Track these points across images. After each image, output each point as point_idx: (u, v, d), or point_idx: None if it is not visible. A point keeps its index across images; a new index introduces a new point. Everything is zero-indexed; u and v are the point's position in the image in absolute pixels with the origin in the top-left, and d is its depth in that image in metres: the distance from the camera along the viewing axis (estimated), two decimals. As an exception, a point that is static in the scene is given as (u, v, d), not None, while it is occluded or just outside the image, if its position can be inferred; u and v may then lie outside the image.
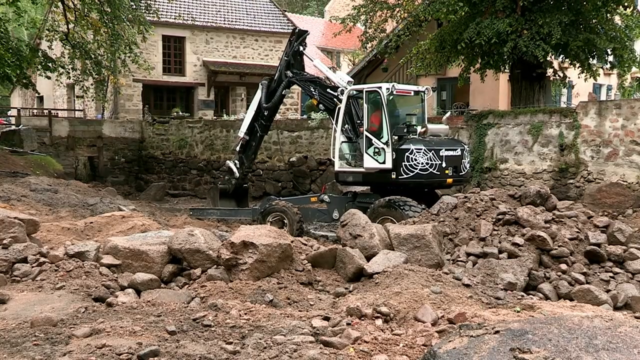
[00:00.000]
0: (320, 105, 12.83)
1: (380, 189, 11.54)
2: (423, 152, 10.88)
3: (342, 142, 11.88)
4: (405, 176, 10.88)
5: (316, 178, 19.24)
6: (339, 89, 12.04)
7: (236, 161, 14.22)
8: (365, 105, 11.34)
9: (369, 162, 11.21)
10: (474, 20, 15.28)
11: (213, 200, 14.68)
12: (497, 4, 14.93)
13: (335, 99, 12.12)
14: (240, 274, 5.76)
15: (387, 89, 11.11)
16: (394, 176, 10.94)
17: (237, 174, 14.10)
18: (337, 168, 11.96)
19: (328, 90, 12.45)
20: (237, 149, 14.33)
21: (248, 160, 14.21)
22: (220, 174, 15.33)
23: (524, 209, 7.51)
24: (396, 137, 11.02)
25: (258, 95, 13.93)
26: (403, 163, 10.85)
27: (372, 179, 11.57)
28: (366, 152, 11.21)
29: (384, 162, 11.02)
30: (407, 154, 10.84)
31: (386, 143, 10.97)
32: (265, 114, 13.63)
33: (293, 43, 13.44)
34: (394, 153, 10.87)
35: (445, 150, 11.17)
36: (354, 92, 12.03)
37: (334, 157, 11.97)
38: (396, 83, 12.36)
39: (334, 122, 12.41)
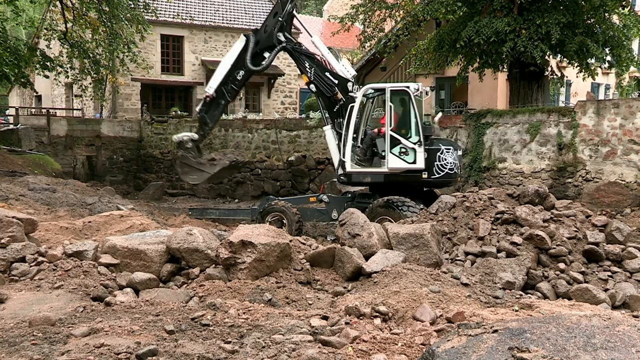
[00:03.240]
0: (312, 86, 11.89)
1: (393, 189, 11.23)
2: (451, 152, 11.12)
3: (353, 142, 11.41)
4: (437, 175, 11.02)
5: (315, 177, 19.24)
6: (348, 82, 11.60)
7: (187, 134, 12.60)
8: (389, 105, 11.04)
9: (395, 162, 11.00)
10: (472, 20, 15.30)
11: (186, 173, 12.71)
12: (495, 3, 14.94)
13: (335, 88, 11.59)
14: (238, 273, 5.76)
15: (416, 88, 11.09)
16: (425, 176, 10.97)
17: (196, 136, 12.40)
18: (349, 169, 11.40)
19: (327, 74, 11.73)
20: (200, 107, 12.47)
21: (212, 120, 12.52)
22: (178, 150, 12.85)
23: (522, 208, 7.51)
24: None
25: (238, 48, 12.16)
26: (435, 163, 10.94)
27: (396, 179, 11.25)
28: (391, 152, 11.01)
29: (414, 162, 10.94)
30: (438, 153, 10.97)
31: (417, 143, 10.92)
32: (239, 77, 12.06)
33: (286, 3, 12.06)
34: (425, 153, 10.91)
35: (458, 150, 11.66)
36: (371, 92, 11.66)
37: (344, 157, 11.42)
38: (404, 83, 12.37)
39: (323, 110, 11.98)
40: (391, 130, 11.02)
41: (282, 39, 11.95)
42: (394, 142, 11.03)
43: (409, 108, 11.12)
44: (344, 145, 11.50)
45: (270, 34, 11.96)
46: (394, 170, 11.07)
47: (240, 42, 12.12)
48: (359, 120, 11.62)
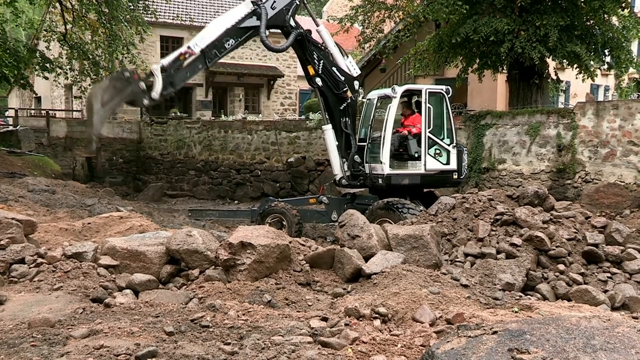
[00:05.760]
0: (317, 80, 11.25)
1: (400, 191, 11.19)
2: (466, 152, 11.62)
3: (392, 143, 11.08)
4: (462, 176, 11.49)
5: (314, 179, 19.26)
6: (354, 80, 11.48)
7: (160, 81, 9.54)
8: (425, 106, 11.02)
9: (432, 164, 11.11)
10: (471, 18, 15.32)
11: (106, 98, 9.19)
12: (495, 3, 14.96)
13: (344, 84, 11.37)
14: (238, 274, 5.75)
15: (447, 92, 11.26)
16: (455, 176, 11.29)
17: (158, 91, 9.51)
18: (387, 171, 11.02)
19: (334, 69, 11.36)
20: (168, 62, 9.67)
21: (179, 83, 10.01)
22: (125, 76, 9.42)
23: (521, 210, 7.52)
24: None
25: (240, 14, 10.44)
26: (462, 163, 11.35)
27: (430, 181, 11.37)
28: (427, 154, 11.08)
29: (448, 163, 11.20)
30: (463, 155, 11.40)
31: (451, 144, 11.21)
32: (227, 46, 10.32)
33: None
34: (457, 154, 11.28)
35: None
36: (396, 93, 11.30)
37: (382, 159, 11.02)
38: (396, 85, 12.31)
39: (325, 108, 11.71)
40: (430, 132, 11.07)
41: (293, 24, 11.02)
42: (430, 144, 11.12)
43: (443, 110, 11.30)
44: (382, 147, 11.06)
45: (280, 13, 10.83)
46: (431, 171, 11.13)
47: (245, 8, 10.53)
48: (387, 121, 11.31)
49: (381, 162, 11.07)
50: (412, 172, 11.22)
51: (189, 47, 9.96)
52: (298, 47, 11.36)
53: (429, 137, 11.06)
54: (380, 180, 11.17)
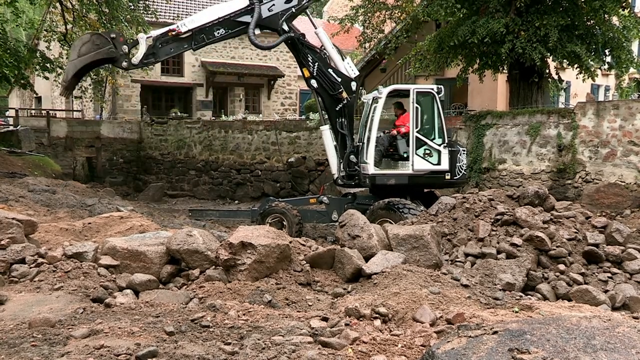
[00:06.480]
0: (313, 82, 11.41)
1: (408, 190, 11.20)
2: (463, 153, 11.40)
3: (376, 144, 11.13)
4: (458, 177, 11.25)
5: (314, 179, 19.26)
6: (351, 82, 11.44)
7: (143, 46, 10.38)
8: (413, 106, 11.00)
9: (420, 164, 11.02)
10: (470, 20, 15.32)
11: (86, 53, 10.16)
12: (491, 4, 14.96)
13: (339, 86, 11.39)
14: (238, 274, 5.75)
15: (438, 92, 11.15)
16: (448, 177, 11.11)
17: (139, 57, 10.37)
18: (371, 171, 11.09)
19: (330, 70, 11.42)
20: (156, 35, 10.53)
21: (161, 56, 10.73)
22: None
23: (522, 210, 7.51)
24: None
25: (235, 7, 10.91)
26: (457, 164, 11.15)
27: (419, 181, 11.28)
28: (416, 154, 11.02)
29: (438, 164, 11.05)
30: (458, 155, 11.20)
31: (442, 144, 11.07)
32: (216, 34, 10.81)
33: None
34: (449, 154, 11.10)
35: (465, 150, 11.87)
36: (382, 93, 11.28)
37: (367, 159, 11.14)
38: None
39: (322, 109, 11.78)
40: (417, 131, 11.00)
41: (286, 28, 11.25)
42: (418, 144, 11.04)
43: (433, 110, 11.20)
44: (367, 147, 11.16)
45: (275, 17, 11.12)
46: (419, 171, 11.06)
47: (241, 3, 10.97)
48: (372, 121, 11.41)
49: (366, 162, 11.16)
50: (399, 173, 11.23)
51: (178, 26, 10.52)
52: (292, 50, 11.66)
53: (417, 137, 11.01)
54: (367, 180, 11.27)
